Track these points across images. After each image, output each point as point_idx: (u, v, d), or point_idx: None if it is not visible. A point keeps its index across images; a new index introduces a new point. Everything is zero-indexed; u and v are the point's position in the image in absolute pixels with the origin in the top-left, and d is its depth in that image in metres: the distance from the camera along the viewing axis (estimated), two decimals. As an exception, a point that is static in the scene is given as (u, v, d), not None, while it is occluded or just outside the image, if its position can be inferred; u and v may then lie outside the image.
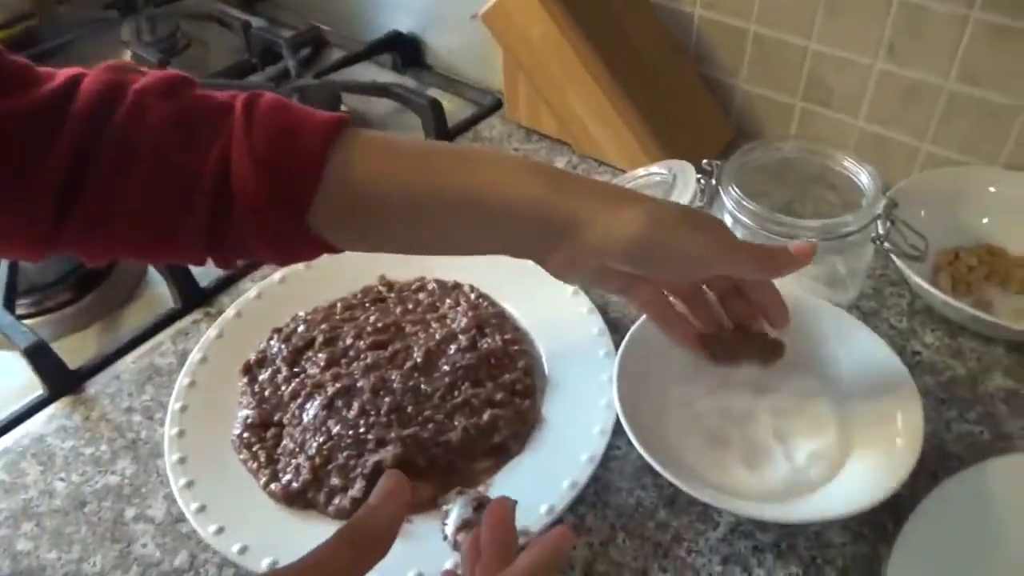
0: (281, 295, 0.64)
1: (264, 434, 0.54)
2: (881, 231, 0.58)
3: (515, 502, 0.45)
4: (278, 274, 0.65)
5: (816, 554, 0.49)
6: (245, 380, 0.58)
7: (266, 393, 0.57)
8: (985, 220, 0.67)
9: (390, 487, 0.34)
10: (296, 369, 0.58)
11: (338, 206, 0.43)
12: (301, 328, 0.61)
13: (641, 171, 0.68)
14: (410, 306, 0.63)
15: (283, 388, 0.57)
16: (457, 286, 0.65)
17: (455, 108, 0.90)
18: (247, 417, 0.55)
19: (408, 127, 0.88)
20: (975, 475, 0.49)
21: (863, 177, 0.60)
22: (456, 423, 0.54)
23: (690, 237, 0.44)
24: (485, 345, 0.59)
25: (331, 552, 0.30)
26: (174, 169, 0.41)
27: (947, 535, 0.47)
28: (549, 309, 0.62)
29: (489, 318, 0.61)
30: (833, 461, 0.50)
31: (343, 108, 0.91)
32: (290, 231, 0.42)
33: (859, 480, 0.48)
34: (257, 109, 0.42)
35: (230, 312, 0.62)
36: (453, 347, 0.58)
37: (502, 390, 0.56)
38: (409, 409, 0.54)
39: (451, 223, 0.44)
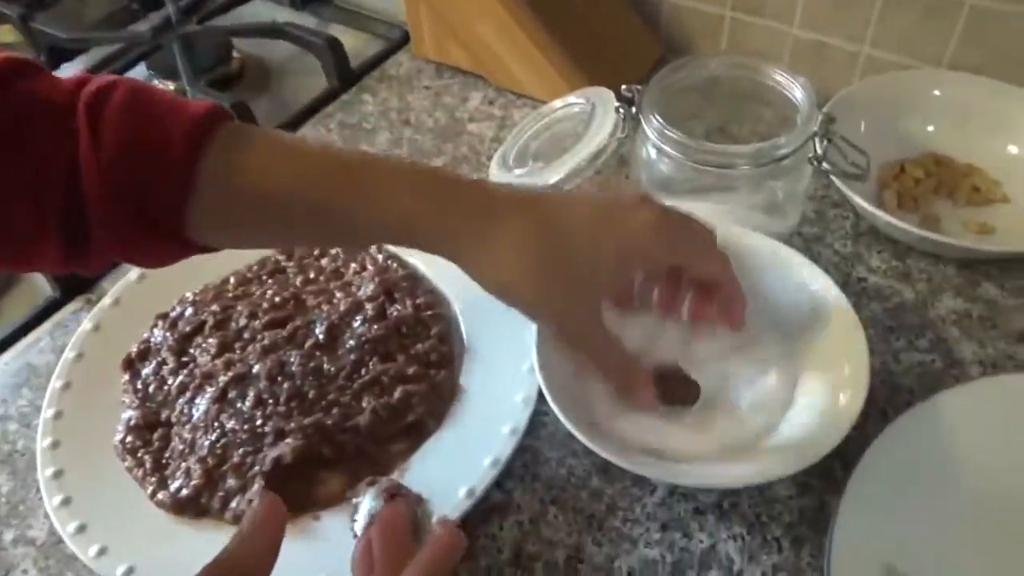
0: (165, 276, 0.56)
1: (150, 437, 0.49)
2: (818, 150, 0.52)
3: (415, 505, 0.41)
4: (160, 252, 0.58)
5: (761, 511, 0.45)
6: (127, 377, 0.52)
7: (151, 389, 0.51)
8: (930, 128, 0.62)
9: (263, 514, 0.31)
10: (184, 359, 0.52)
11: (211, 216, 0.38)
12: (189, 311, 0.54)
13: (558, 103, 0.62)
14: (312, 275, 0.57)
15: (170, 382, 0.51)
16: (363, 246, 0.58)
17: (360, 45, 0.82)
18: (130, 419, 0.49)
19: (309, 71, 0.79)
20: (925, 412, 0.46)
21: (796, 91, 0.54)
22: (364, 404, 0.48)
23: (562, 291, 0.40)
24: (394, 313, 0.53)
25: None
26: (10, 185, 0.35)
27: (899, 478, 0.43)
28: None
29: (399, 281, 0.55)
30: (775, 410, 0.46)
31: (235, 55, 0.82)
32: (158, 248, 0.39)
33: (803, 431, 0.44)
34: (105, 113, 0.35)
35: (106, 301, 0.55)
36: (359, 318, 0.52)
37: (415, 362, 0.50)
38: (311, 394, 0.48)
39: (333, 236, 0.42)
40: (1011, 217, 0.57)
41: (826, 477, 0.46)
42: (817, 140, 0.52)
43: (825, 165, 0.52)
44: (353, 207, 0.38)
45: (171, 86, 0.79)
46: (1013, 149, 0.60)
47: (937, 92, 0.62)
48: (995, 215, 0.58)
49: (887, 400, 0.49)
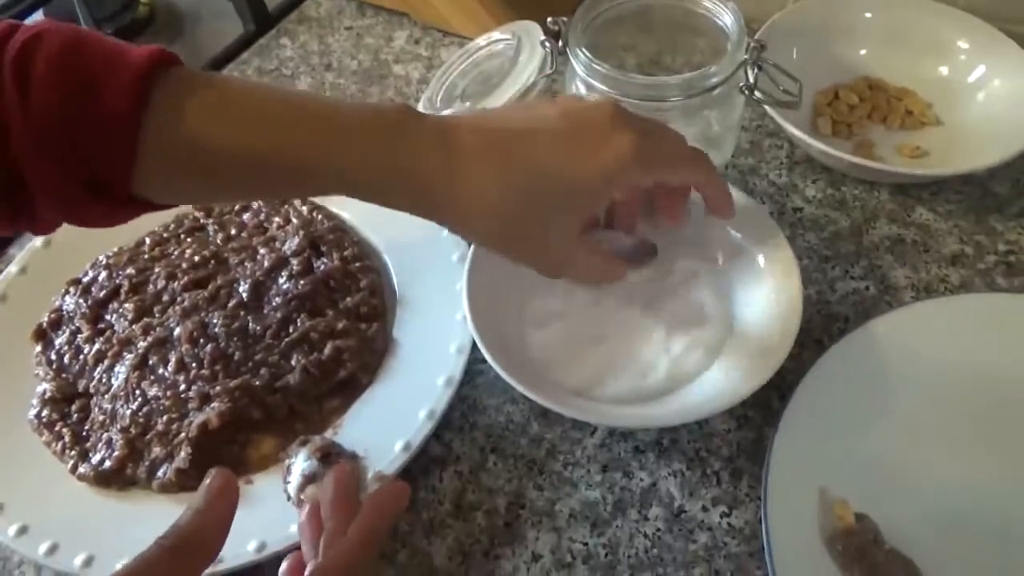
0: (75, 240, 0.53)
1: (68, 409, 0.46)
2: (750, 79, 0.51)
3: (359, 464, 0.40)
4: (68, 214, 0.54)
5: (700, 446, 0.45)
6: (39, 348, 0.49)
7: (65, 360, 0.48)
8: (863, 51, 0.61)
9: (216, 487, 0.30)
10: (100, 326, 0.49)
11: (160, 175, 0.35)
12: (102, 276, 0.51)
13: (483, 40, 0.59)
14: (233, 231, 0.54)
15: (85, 351, 0.48)
16: (286, 200, 0.56)
17: (277, -15, 0.77)
18: (45, 391, 0.47)
19: (224, 14, 0.75)
20: (858, 339, 0.46)
21: (726, 18, 0.52)
22: (294, 363, 0.47)
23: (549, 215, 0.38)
24: (321, 267, 0.51)
25: (151, 562, 0.28)
26: None
27: (833, 405, 0.43)
28: (394, 214, 0.53)
29: (325, 234, 0.53)
30: (712, 347, 0.46)
31: (141, 0, 0.77)
32: (105, 210, 0.36)
33: (739, 367, 0.44)
34: (33, 71, 0.32)
35: (12, 269, 0.52)
36: (284, 274, 0.50)
37: (344, 317, 0.49)
38: (236, 355, 0.47)
39: (292, 188, 0.38)
40: (943, 140, 0.57)
41: (764, 409, 0.46)
42: (748, 68, 0.51)
43: (757, 94, 0.51)
44: (318, 167, 0.36)
45: (74, 36, 0.74)
46: (944, 71, 0.60)
47: (868, 14, 0.61)
48: (927, 138, 0.58)
49: (823, 329, 0.49)
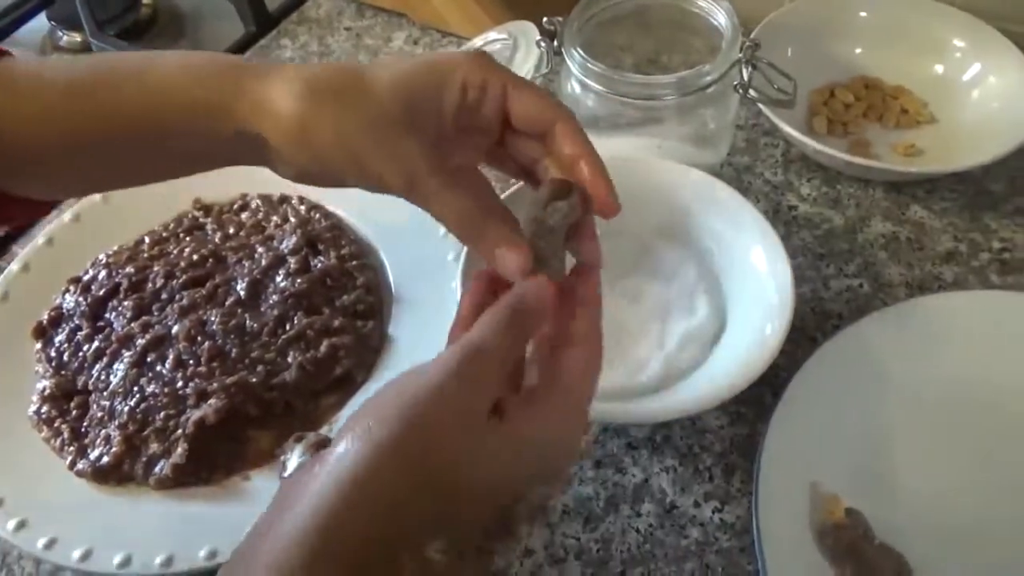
0: (76, 238, 0.54)
1: (67, 405, 0.47)
2: (744, 77, 0.51)
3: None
4: (69, 213, 0.55)
5: (693, 442, 0.45)
6: (39, 345, 0.50)
7: (65, 357, 0.49)
8: (858, 50, 0.62)
9: (530, 300, 0.29)
10: (99, 324, 0.50)
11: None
12: (102, 275, 0.52)
13: (479, 40, 0.59)
14: (231, 230, 0.55)
15: (85, 348, 0.49)
16: (285, 199, 0.56)
17: (277, -13, 0.78)
18: (44, 388, 0.47)
19: (225, 16, 0.75)
20: (851, 336, 0.46)
21: (720, 17, 0.53)
22: (290, 360, 0.47)
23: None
24: (319, 265, 0.51)
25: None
26: None
27: (824, 401, 0.44)
28: (392, 212, 0.53)
29: (322, 232, 0.53)
30: (705, 343, 0.46)
31: (144, 1, 0.77)
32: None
33: (732, 363, 0.44)
34: None
35: (14, 267, 0.52)
36: (281, 272, 0.51)
37: (341, 314, 0.49)
38: (233, 352, 0.47)
39: (135, 154, 0.35)
40: (937, 138, 0.57)
41: (756, 405, 0.46)
42: (742, 67, 0.51)
43: (752, 92, 0.51)
44: (152, 105, 0.33)
45: (77, 38, 0.74)
46: (939, 68, 0.60)
47: (864, 13, 0.61)
48: (922, 136, 0.58)
49: (817, 327, 0.50)
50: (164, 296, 0.50)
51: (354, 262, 0.52)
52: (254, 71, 0.33)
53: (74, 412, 0.46)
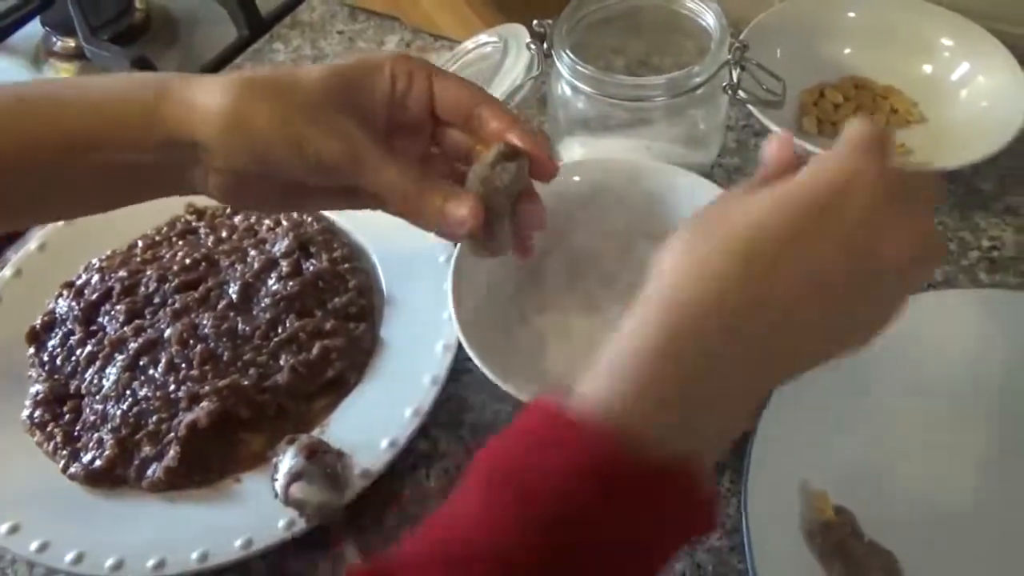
0: (69, 242, 0.54)
1: (60, 410, 0.47)
2: (733, 78, 0.51)
3: (335, 460, 0.40)
4: (62, 217, 0.55)
5: (684, 443, 0.46)
6: (32, 350, 0.50)
7: (58, 361, 0.49)
8: (848, 50, 0.62)
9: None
10: (92, 328, 0.50)
11: None
12: (95, 279, 0.52)
13: (470, 43, 0.59)
14: (224, 234, 0.55)
15: (78, 352, 0.49)
16: (277, 203, 0.56)
17: (271, -9, 0.78)
18: (37, 393, 0.47)
19: (219, 20, 0.75)
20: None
21: (708, 18, 0.53)
22: (282, 363, 0.47)
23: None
24: (310, 268, 0.51)
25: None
26: None
27: (814, 398, 0.44)
28: (383, 215, 0.54)
29: (314, 236, 0.53)
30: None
31: (138, 5, 0.78)
32: None
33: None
34: None
35: (7, 272, 0.53)
36: (274, 276, 0.51)
37: (333, 317, 0.49)
38: (225, 356, 0.47)
39: (59, 175, 0.34)
40: (927, 137, 0.58)
41: (746, 405, 0.46)
42: (731, 68, 0.51)
43: (741, 93, 0.52)
44: (80, 125, 0.33)
45: (71, 43, 0.75)
46: (928, 68, 0.60)
47: (852, 14, 0.61)
48: (912, 136, 0.58)
49: (806, 326, 0.50)
50: (157, 300, 0.50)
51: (346, 265, 0.52)
52: (180, 78, 0.34)
53: (67, 416, 0.47)
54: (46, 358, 0.49)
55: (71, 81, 0.34)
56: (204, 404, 0.45)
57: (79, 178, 0.35)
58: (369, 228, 0.55)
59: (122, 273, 0.52)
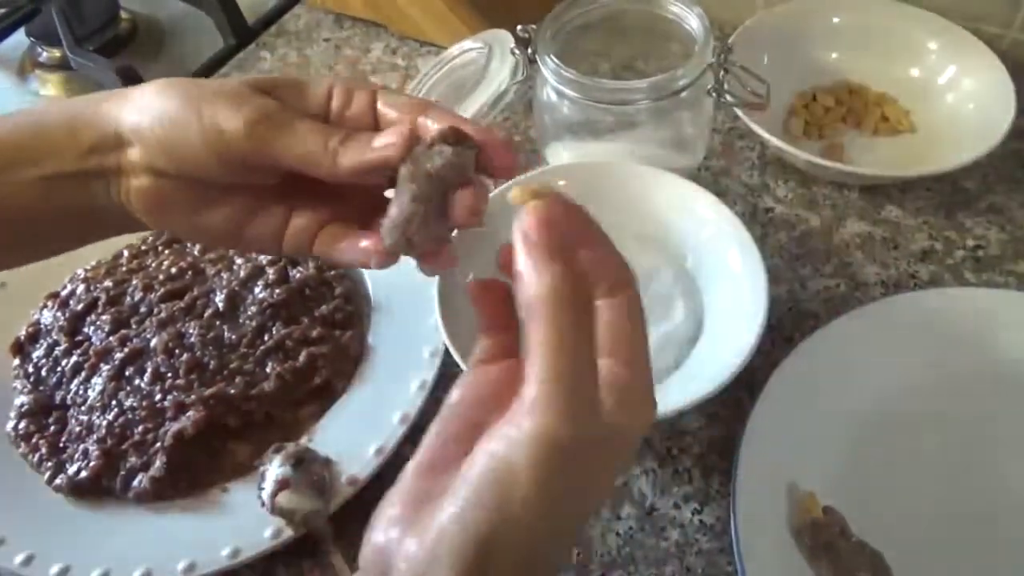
0: (54, 253, 0.54)
1: (45, 421, 0.47)
2: (717, 82, 0.52)
3: (322, 468, 0.40)
4: (47, 228, 0.55)
5: (671, 444, 0.46)
6: (17, 361, 0.50)
7: (43, 372, 0.49)
8: (835, 55, 0.62)
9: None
10: (78, 338, 0.50)
11: None
12: (80, 289, 0.52)
13: (455, 49, 0.60)
14: (210, 242, 0.55)
15: (63, 363, 0.49)
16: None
17: (256, 0, 0.78)
18: (22, 404, 0.47)
19: (204, 30, 0.75)
20: (826, 336, 0.46)
21: (692, 21, 0.53)
22: (269, 371, 0.47)
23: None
24: (297, 275, 0.51)
25: None
26: None
27: (801, 401, 0.44)
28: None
29: (301, 243, 0.53)
30: (683, 345, 0.46)
31: (123, 15, 0.78)
32: None
33: (709, 364, 0.44)
34: None
35: (-9, 284, 0.53)
36: (260, 283, 0.51)
37: (319, 324, 0.49)
38: (211, 364, 0.47)
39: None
40: (914, 143, 0.58)
41: (734, 406, 0.46)
42: (715, 70, 0.51)
43: (727, 96, 0.52)
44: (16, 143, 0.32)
45: (56, 54, 0.74)
46: (915, 72, 0.60)
47: (836, 19, 0.61)
48: (900, 141, 0.58)
49: (794, 327, 0.50)
50: (143, 309, 0.50)
51: (332, 272, 0.52)
52: (111, 91, 0.33)
53: (52, 427, 0.46)
54: (31, 369, 0.49)
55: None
56: (190, 413, 0.45)
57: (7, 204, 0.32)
58: (356, 235, 0.54)
59: (107, 283, 0.52)
